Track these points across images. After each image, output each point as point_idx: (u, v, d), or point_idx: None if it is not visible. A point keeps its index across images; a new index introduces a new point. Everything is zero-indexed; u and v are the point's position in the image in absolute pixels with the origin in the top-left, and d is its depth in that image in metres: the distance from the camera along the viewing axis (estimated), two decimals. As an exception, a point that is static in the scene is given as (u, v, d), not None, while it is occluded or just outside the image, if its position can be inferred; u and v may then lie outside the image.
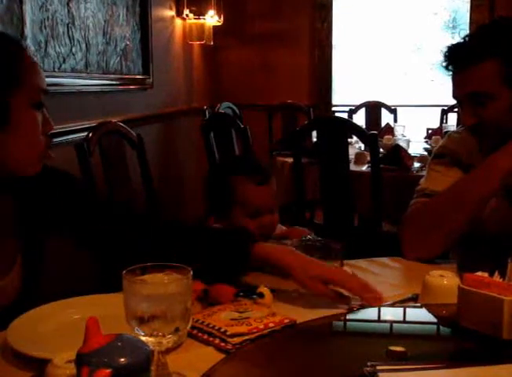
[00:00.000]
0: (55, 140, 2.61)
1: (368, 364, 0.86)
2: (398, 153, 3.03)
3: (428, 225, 1.50)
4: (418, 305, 1.19)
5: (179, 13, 4.63)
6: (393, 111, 5.18)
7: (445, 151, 1.64)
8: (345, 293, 1.18)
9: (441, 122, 4.92)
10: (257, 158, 3.41)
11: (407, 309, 1.18)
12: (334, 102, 5.63)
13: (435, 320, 1.14)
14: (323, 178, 2.87)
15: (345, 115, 4.98)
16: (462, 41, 1.51)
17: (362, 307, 1.16)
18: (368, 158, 2.97)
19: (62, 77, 2.72)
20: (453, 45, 1.51)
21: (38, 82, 1.20)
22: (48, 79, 2.55)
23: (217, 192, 1.63)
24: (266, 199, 1.59)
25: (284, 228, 1.70)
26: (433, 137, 3.79)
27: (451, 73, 1.51)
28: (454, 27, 5.64)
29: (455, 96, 1.53)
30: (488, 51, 1.43)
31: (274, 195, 1.63)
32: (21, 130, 1.16)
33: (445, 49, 1.51)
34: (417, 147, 3.76)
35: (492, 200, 1.49)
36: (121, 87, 3.53)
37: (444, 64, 1.51)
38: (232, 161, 1.65)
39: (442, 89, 5.58)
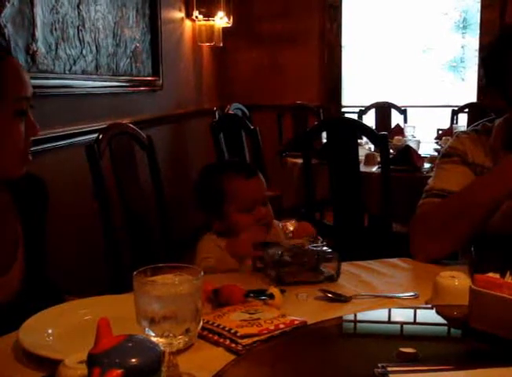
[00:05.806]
0: (66, 141, 2.65)
1: (379, 365, 0.86)
2: (408, 154, 3.02)
3: (439, 226, 1.48)
4: (429, 306, 1.18)
5: (188, 15, 4.65)
6: (403, 111, 5.17)
7: (453, 151, 1.63)
8: None
9: (452, 122, 4.90)
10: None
11: (418, 311, 1.18)
12: (343, 103, 5.63)
13: (446, 321, 1.14)
14: (333, 179, 2.87)
15: (354, 116, 4.98)
16: None
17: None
18: (378, 159, 2.96)
19: (72, 79, 2.74)
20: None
21: (22, 91, 1.18)
22: (58, 81, 2.61)
23: (209, 194, 1.66)
24: (257, 191, 1.63)
25: (293, 222, 1.70)
26: (444, 138, 3.77)
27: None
28: (464, 28, 5.61)
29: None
30: None
31: (264, 188, 1.67)
32: (3, 139, 1.16)
33: (504, 31, 1.44)
34: (427, 148, 3.75)
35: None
36: (131, 89, 3.54)
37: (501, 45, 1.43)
38: (218, 163, 1.71)
39: (452, 89, 5.56)
